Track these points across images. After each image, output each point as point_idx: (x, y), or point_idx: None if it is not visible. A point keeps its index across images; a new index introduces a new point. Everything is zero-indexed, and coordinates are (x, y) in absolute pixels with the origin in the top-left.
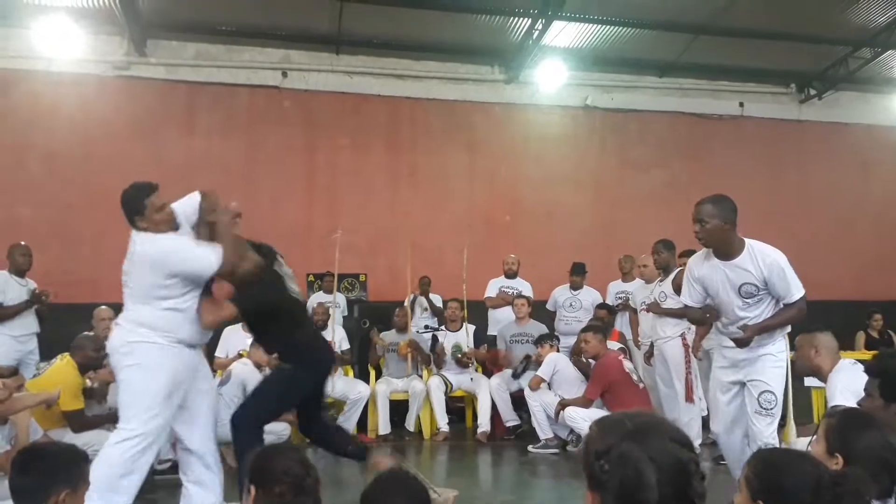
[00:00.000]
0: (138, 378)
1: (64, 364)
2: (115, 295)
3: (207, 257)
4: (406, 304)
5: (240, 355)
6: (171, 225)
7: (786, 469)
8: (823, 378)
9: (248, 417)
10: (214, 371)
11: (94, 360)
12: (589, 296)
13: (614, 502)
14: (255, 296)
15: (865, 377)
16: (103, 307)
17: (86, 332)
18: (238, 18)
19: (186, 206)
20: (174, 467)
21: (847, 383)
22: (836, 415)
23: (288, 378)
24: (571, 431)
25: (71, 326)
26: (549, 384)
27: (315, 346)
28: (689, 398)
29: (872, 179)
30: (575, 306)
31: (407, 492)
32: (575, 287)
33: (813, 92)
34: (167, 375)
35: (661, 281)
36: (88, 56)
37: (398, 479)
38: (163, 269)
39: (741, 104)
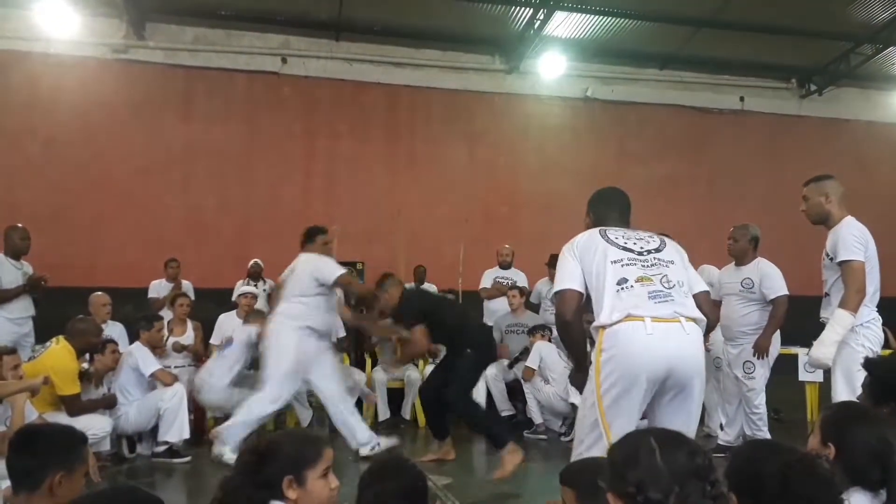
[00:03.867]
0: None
1: (60, 348)
2: (111, 279)
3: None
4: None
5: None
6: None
7: (757, 460)
8: (832, 225)
9: (459, 393)
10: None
11: (94, 346)
12: None
13: None
14: (435, 320)
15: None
16: (100, 293)
17: (81, 316)
18: (238, 3)
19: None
20: (170, 451)
21: (858, 236)
22: (832, 407)
23: (472, 361)
24: (563, 422)
25: (66, 310)
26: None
27: (480, 334)
28: None
29: (872, 176)
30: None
31: (405, 478)
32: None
33: (814, 87)
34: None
35: None
36: (87, 39)
37: (396, 465)
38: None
39: (742, 98)
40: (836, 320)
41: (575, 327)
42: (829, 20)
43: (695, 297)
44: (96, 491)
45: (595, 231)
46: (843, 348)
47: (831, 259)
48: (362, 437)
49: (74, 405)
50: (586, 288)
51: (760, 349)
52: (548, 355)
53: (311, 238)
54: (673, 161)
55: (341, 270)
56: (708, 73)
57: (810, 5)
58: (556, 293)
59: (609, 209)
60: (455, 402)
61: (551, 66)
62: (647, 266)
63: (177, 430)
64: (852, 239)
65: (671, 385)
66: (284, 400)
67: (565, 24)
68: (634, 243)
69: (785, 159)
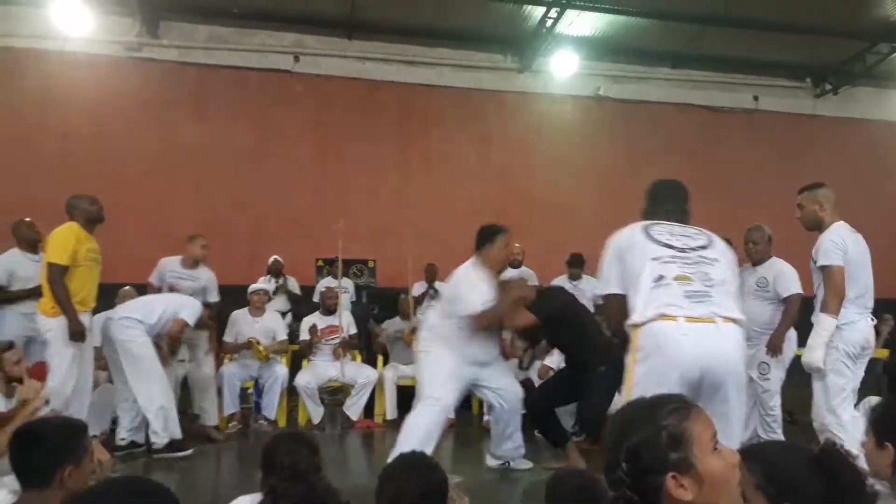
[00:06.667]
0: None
1: (65, 226)
2: (131, 276)
3: (473, 304)
4: (411, 292)
5: (249, 342)
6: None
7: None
8: (822, 231)
9: (595, 412)
10: (224, 354)
11: (94, 215)
12: (589, 286)
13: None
14: (575, 330)
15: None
16: (128, 287)
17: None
18: (251, 1)
19: None
20: (171, 445)
21: (836, 241)
22: (878, 406)
23: (610, 381)
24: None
25: None
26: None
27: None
28: None
29: (887, 176)
30: (577, 296)
31: (426, 476)
32: (574, 278)
33: (828, 87)
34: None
35: None
36: (101, 37)
37: (418, 463)
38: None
39: (755, 97)
40: (819, 324)
41: (617, 326)
42: (845, 18)
43: None
44: (104, 482)
45: (637, 227)
46: (827, 349)
47: (815, 262)
48: None
49: (52, 276)
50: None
51: (773, 347)
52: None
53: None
54: (685, 160)
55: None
56: (720, 71)
57: (826, 3)
58: (603, 298)
59: (662, 202)
60: (587, 421)
61: (563, 65)
62: (688, 264)
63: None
64: (831, 244)
65: (706, 387)
66: None
67: (577, 22)
68: (678, 240)
69: (798, 159)
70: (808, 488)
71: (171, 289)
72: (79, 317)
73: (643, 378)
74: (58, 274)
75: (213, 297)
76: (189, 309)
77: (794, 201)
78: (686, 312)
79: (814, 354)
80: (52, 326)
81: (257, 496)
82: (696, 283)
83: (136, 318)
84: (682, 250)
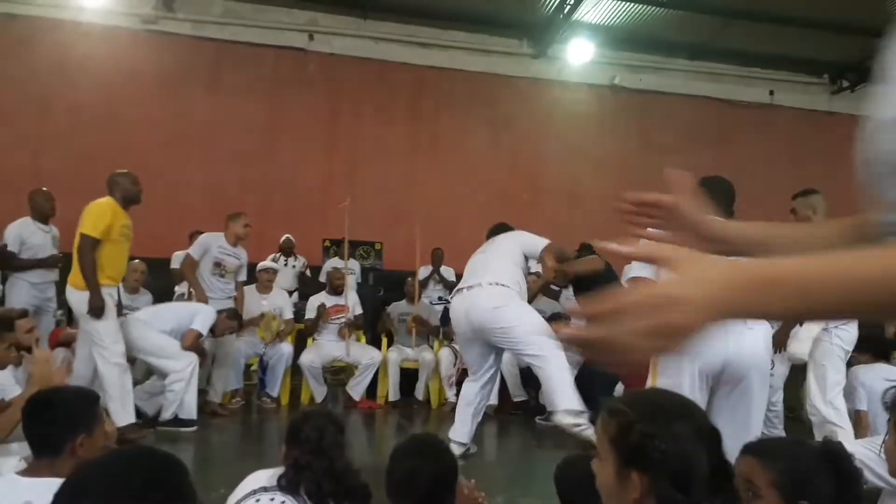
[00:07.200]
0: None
1: (103, 199)
2: (139, 250)
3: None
4: (417, 276)
5: (262, 315)
6: None
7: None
8: None
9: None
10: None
11: (133, 195)
12: None
13: (669, 481)
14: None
15: None
16: (137, 261)
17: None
18: None
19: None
20: (176, 420)
21: None
22: None
23: None
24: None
25: None
26: None
27: None
28: None
29: None
30: None
31: (438, 456)
32: None
33: (846, 83)
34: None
35: None
36: (116, 8)
37: (430, 444)
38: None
39: (771, 92)
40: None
41: None
42: (865, 15)
43: None
44: (114, 451)
45: None
46: (818, 345)
47: None
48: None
49: (83, 247)
50: None
51: (777, 343)
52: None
53: None
54: (699, 153)
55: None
56: (738, 65)
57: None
58: (628, 282)
59: (707, 200)
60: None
61: (579, 53)
62: None
63: (187, 409)
64: None
65: (726, 379)
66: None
67: (595, 9)
68: None
69: (813, 155)
70: (822, 487)
71: (217, 264)
72: (102, 291)
73: (665, 371)
74: (89, 246)
75: (242, 277)
76: (202, 316)
77: None
78: None
79: (800, 347)
80: (84, 298)
81: (278, 470)
82: None
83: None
84: None
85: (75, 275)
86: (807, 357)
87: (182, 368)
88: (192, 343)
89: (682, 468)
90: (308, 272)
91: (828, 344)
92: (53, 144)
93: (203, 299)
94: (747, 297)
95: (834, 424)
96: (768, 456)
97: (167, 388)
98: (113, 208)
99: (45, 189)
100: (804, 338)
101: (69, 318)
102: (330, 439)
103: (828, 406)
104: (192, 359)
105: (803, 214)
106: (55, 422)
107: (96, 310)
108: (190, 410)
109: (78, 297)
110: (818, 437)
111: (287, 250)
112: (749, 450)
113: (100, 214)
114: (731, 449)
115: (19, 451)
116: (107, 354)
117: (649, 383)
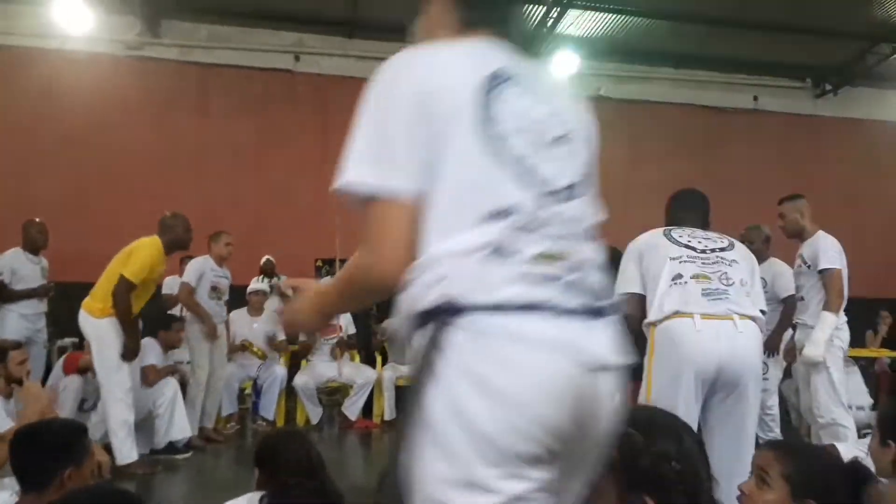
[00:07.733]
0: None
1: (149, 239)
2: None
3: None
4: None
5: (243, 345)
6: None
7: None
8: (805, 238)
9: None
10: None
11: (183, 241)
12: None
13: (685, 500)
14: None
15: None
16: None
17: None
18: (252, 0)
19: None
20: (170, 447)
21: (832, 244)
22: (884, 406)
23: None
24: None
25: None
26: None
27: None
28: None
29: (886, 177)
30: None
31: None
32: None
33: (829, 87)
34: None
35: None
36: (102, 35)
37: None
38: None
39: (755, 98)
40: (824, 322)
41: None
42: (846, 19)
43: None
44: (73, 491)
45: (659, 231)
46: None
47: (808, 266)
48: None
49: (120, 290)
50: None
51: (771, 347)
52: None
53: None
54: (686, 160)
55: None
56: (722, 72)
57: (826, 4)
58: (620, 296)
59: (684, 212)
60: None
61: (564, 65)
62: (707, 264)
63: (178, 428)
64: (833, 250)
65: (722, 385)
66: None
67: (578, 22)
68: (699, 242)
69: (799, 159)
70: (837, 497)
71: (214, 288)
72: (113, 324)
73: (658, 375)
74: (126, 289)
75: (225, 297)
76: (146, 349)
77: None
78: (702, 310)
79: (817, 350)
80: (100, 326)
81: (253, 496)
82: (714, 282)
83: None
84: (702, 251)
85: (93, 301)
86: (822, 358)
87: (165, 394)
88: (155, 377)
89: (694, 487)
90: (291, 293)
91: (834, 346)
92: (43, 171)
93: (212, 326)
94: (320, 300)
95: (842, 425)
96: (787, 452)
97: (155, 415)
98: (159, 255)
99: (39, 220)
100: (819, 341)
101: (80, 343)
102: (316, 459)
103: (838, 406)
104: (170, 382)
105: (791, 218)
106: (41, 455)
107: (130, 353)
108: (183, 429)
109: (93, 324)
110: (823, 439)
111: (268, 272)
112: (770, 444)
113: (145, 262)
114: (727, 454)
115: (11, 485)
116: (115, 390)
117: (643, 393)
